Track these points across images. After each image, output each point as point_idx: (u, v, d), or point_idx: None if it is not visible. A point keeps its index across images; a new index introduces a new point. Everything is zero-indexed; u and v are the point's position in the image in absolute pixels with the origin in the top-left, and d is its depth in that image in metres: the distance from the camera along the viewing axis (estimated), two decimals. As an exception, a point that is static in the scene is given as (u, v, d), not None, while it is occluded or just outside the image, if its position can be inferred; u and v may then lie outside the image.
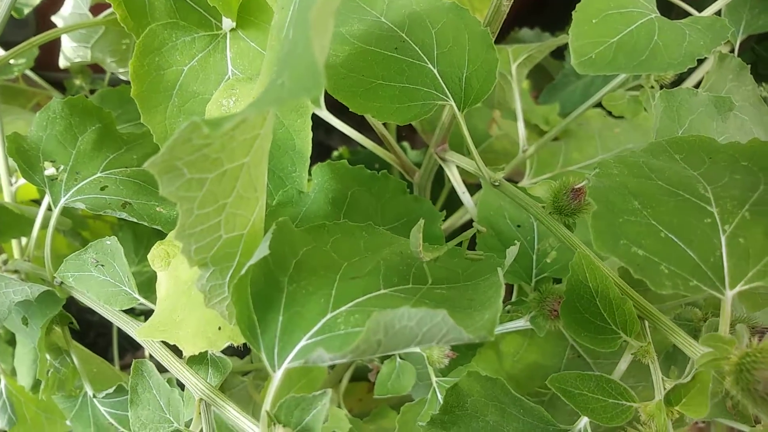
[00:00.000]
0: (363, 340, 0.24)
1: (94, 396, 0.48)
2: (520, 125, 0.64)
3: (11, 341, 0.65)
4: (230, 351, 0.73)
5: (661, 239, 0.29)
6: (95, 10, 0.66)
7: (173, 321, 0.35)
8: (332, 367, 0.69)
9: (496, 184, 0.45)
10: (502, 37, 0.93)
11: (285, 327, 0.28)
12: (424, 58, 0.43)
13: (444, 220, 0.53)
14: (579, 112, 0.63)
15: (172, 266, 0.37)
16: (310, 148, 0.47)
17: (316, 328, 0.28)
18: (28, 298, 0.43)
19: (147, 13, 0.50)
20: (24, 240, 0.60)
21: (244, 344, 0.75)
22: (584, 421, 0.34)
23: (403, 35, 0.43)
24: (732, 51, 0.62)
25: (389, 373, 0.59)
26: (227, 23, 0.48)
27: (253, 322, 0.28)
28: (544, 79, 0.91)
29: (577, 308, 0.33)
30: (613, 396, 0.32)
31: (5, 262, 0.59)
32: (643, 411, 0.32)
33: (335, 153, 0.85)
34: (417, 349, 0.44)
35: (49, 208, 0.49)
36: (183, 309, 0.35)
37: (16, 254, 0.66)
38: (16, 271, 0.57)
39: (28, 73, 0.80)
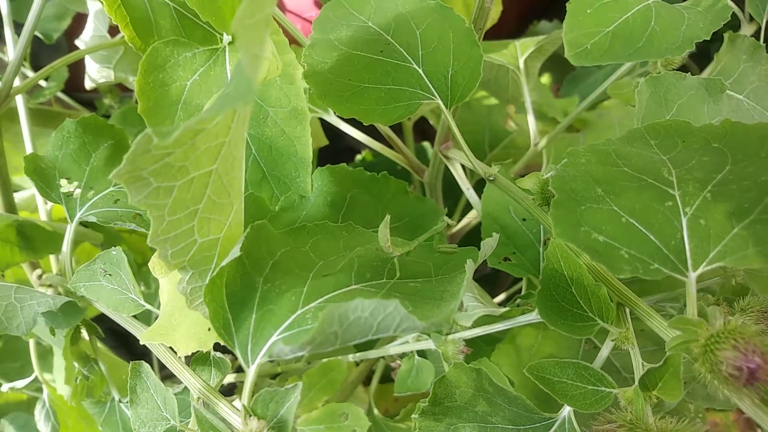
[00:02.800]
0: (318, 332, 0.25)
1: (121, 401, 0.51)
2: (530, 118, 0.64)
3: (52, 352, 0.69)
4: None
5: (622, 224, 0.29)
6: (114, 31, 0.69)
7: (171, 324, 0.37)
8: (357, 365, 0.70)
9: (491, 178, 0.46)
10: (521, 31, 0.93)
11: (257, 324, 0.30)
12: (409, 58, 0.44)
13: (460, 218, 0.54)
14: (589, 101, 0.63)
15: (172, 273, 0.39)
16: (311, 154, 0.48)
17: (285, 324, 0.29)
18: (52, 309, 0.46)
19: (153, 32, 0.53)
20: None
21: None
22: (568, 408, 0.34)
23: (389, 38, 0.44)
24: (758, 31, 0.60)
25: (408, 371, 0.60)
26: (226, 37, 0.50)
27: (228, 321, 0.30)
28: (567, 71, 0.91)
29: (553, 297, 0.34)
30: (592, 383, 0.33)
31: (40, 277, 0.62)
32: (622, 397, 0.32)
33: (358, 157, 0.87)
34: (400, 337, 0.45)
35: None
36: (180, 313, 0.37)
37: (54, 269, 0.70)
38: (50, 286, 0.60)
39: (61, 95, 0.84)
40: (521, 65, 0.65)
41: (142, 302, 0.40)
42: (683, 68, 0.86)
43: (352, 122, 0.56)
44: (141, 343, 0.38)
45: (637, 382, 0.31)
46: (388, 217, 0.33)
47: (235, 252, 0.30)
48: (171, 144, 0.26)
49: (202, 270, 0.31)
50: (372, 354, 0.59)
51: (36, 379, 0.66)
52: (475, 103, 0.82)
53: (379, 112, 0.42)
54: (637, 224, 0.29)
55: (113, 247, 0.42)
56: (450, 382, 0.36)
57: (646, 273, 0.28)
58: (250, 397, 0.30)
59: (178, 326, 0.37)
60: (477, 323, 0.57)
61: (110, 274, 0.41)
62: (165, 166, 0.27)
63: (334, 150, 0.81)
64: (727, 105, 0.44)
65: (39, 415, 0.63)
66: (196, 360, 0.40)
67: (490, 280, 1.00)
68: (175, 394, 0.39)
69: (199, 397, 0.36)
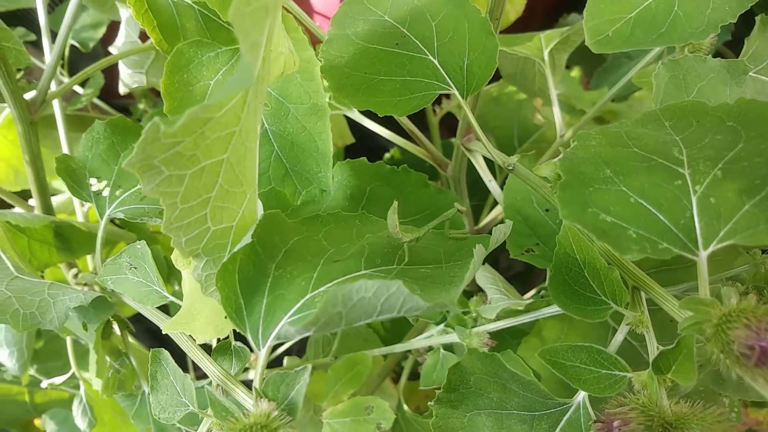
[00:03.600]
0: (322, 312, 0.26)
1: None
2: (556, 110, 0.63)
3: (89, 351, 0.71)
4: (289, 351, 0.76)
5: (630, 204, 0.29)
6: (145, 37, 0.71)
7: (192, 314, 0.38)
8: (385, 358, 0.71)
9: (510, 168, 0.46)
10: (551, 24, 0.92)
11: (268, 309, 0.30)
12: (424, 50, 0.44)
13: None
14: (615, 91, 0.62)
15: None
16: (332, 149, 0.49)
17: (295, 308, 0.30)
18: (83, 304, 0.48)
19: (180, 35, 0.54)
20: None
21: (300, 343, 0.77)
22: (583, 393, 0.34)
23: (404, 30, 0.44)
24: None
25: (433, 365, 0.60)
26: (248, 36, 0.51)
27: (240, 306, 0.31)
28: (597, 64, 0.90)
29: (565, 280, 0.33)
30: (605, 367, 0.32)
31: (76, 276, 0.64)
32: (636, 380, 0.32)
33: (387, 155, 0.87)
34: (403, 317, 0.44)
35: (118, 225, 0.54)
36: (200, 302, 0.38)
37: (91, 268, 0.72)
38: (85, 284, 0.62)
39: (98, 102, 0.86)
40: (546, 57, 0.65)
41: (165, 293, 0.42)
42: (717, 54, 0.84)
43: (378, 119, 0.57)
44: (163, 332, 0.39)
45: (650, 365, 0.31)
46: (395, 204, 0.33)
47: (247, 239, 0.31)
48: (179, 132, 0.26)
49: (216, 257, 0.32)
50: (398, 348, 0.60)
51: (74, 376, 0.68)
52: (504, 97, 0.82)
53: (393, 103, 0.43)
54: (645, 204, 0.29)
55: (138, 241, 0.43)
56: (465, 368, 0.36)
57: (655, 252, 0.28)
58: (261, 379, 0.30)
59: (198, 315, 0.38)
60: (501, 316, 0.57)
61: (135, 267, 0.43)
62: (176, 155, 0.28)
63: (365, 148, 0.81)
64: (751, 87, 0.44)
65: (76, 410, 0.65)
66: (217, 349, 0.41)
67: (522, 278, 1.00)
68: (202, 386, 0.40)
69: (218, 384, 0.36)
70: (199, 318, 0.37)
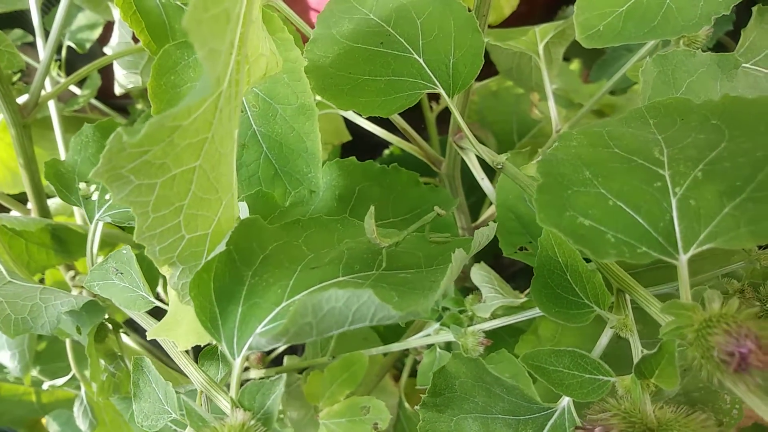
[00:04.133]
0: (291, 322, 0.25)
1: (147, 396, 0.52)
2: (551, 104, 0.62)
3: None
4: (289, 350, 0.75)
5: (609, 207, 0.28)
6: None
7: (176, 320, 0.38)
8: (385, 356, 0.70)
9: (499, 167, 0.45)
10: (549, 17, 0.91)
11: (243, 318, 0.30)
12: (409, 49, 0.43)
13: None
14: (610, 84, 0.61)
15: (178, 270, 0.40)
16: (321, 149, 0.49)
17: (270, 317, 0.29)
18: (75, 308, 0.48)
19: (168, 36, 0.54)
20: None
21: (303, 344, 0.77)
22: (567, 398, 0.33)
23: (389, 29, 0.44)
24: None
25: (430, 364, 0.60)
26: (235, 38, 0.50)
27: (215, 315, 0.30)
28: (597, 57, 0.88)
29: (548, 284, 0.33)
30: (589, 371, 0.32)
31: (73, 278, 0.64)
32: (620, 385, 0.31)
33: (386, 152, 0.87)
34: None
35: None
36: (182, 309, 0.38)
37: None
38: (82, 287, 0.62)
39: (96, 103, 0.87)
40: (541, 51, 0.64)
41: (152, 299, 0.41)
42: (719, 46, 0.82)
43: (373, 116, 0.56)
44: (148, 338, 0.39)
45: (633, 370, 0.30)
46: (372, 209, 0.33)
47: (221, 247, 0.30)
48: (144, 141, 0.26)
49: (192, 266, 0.32)
50: (395, 347, 0.59)
51: (75, 378, 0.69)
52: (503, 92, 0.81)
53: (378, 104, 0.42)
54: (624, 206, 0.28)
55: (123, 246, 0.43)
56: (450, 373, 0.36)
57: (633, 257, 0.27)
58: (237, 389, 0.30)
59: (181, 322, 0.37)
60: (497, 314, 0.56)
61: (121, 273, 0.42)
62: (144, 164, 0.28)
63: (364, 146, 0.81)
64: (743, 81, 0.43)
65: (77, 411, 0.66)
66: (203, 355, 0.41)
67: (528, 274, 0.99)
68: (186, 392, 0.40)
69: (201, 391, 0.36)
70: (182, 324, 0.37)
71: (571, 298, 0.32)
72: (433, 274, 0.33)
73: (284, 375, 0.29)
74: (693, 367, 0.28)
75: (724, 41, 0.80)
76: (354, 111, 0.43)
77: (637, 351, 0.32)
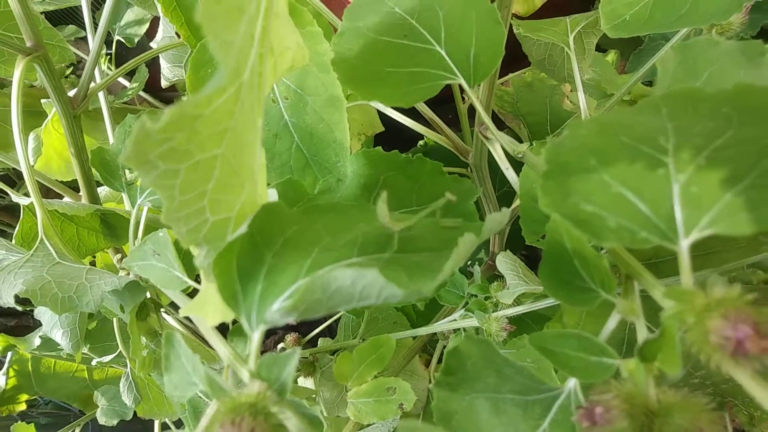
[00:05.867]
0: (300, 300, 0.27)
1: (184, 372, 0.55)
2: (581, 95, 0.63)
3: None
4: (325, 333, 0.78)
5: (612, 194, 0.29)
6: (182, 33, 0.74)
7: (205, 298, 0.40)
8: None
9: (520, 156, 0.46)
10: (586, 8, 0.90)
11: (262, 294, 0.32)
12: (431, 41, 0.44)
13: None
14: (641, 74, 0.61)
15: (210, 251, 0.42)
16: (349, 139, 0.50)
17: (286, 294, 0.31)
18: (117, 288, 0.51)
19: (206, 31, 0.56)
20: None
21: (330, 327, 0.79)
22: (574, 380, 0.34)
23: (413, 21, 0.45)
24: None
25: (456, 349, 0.61)
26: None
27: (236, 292, 0.32)
28: (635, 46, 0.87)
29: (555, 269, 0.34)
30: (594, 354, 0.33)
31: (120, 261, 0.68)
32: (624, 368, 0.32)
33: (420, 143, 0.88)
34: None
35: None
36: (211, 288, 0.40)
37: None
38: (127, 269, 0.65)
39: (145, 96, 0.90)
40: (572, 42, 0.64)
41: (186, 279, 0.44)
42: (764, 33, 0.81)
43: (403, 108, 0.58)
44: (180, 315, 0.41)
45: (636, 353, 0.31)
46: (385, 194, 0.34)
47: (242, 229, 0.32)
48: (168, 128, 0.28)
49: (217, 246, 0.34)
50: (421, 331, 0.61)
51: (121, 355, 0.73)
52: (537, 83, 0.81)
53: (401, 94, 0.44)
54: (627, 193, 0.29)
55: (160, 229, 0.45)
56: (462, 352, 0.37)
57: (633, 242, 0.28)
58: (255, 361, 0.32)
59: (210, 299, 0.40)
60: (522, 301, 0.57)
61: (158, 254, 0.45)
62: (170, 150, 0.30)
63: (399, 137, 0.82)
64: (769, 69, 0.42)
65: (123, 387, 0.69)
66: (233, 332, 0.43)
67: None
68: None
69: (228, 365, 0.38)
70: (210, 302, 0.39)
71: (578, 283, 0.33)
72: (444, 257, 0.34)
73: (299, 348, 0.31)
74: (694, 351, 0.28)
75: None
76: (377, 101, 0.45)
77: (643, 335, 0.32)
